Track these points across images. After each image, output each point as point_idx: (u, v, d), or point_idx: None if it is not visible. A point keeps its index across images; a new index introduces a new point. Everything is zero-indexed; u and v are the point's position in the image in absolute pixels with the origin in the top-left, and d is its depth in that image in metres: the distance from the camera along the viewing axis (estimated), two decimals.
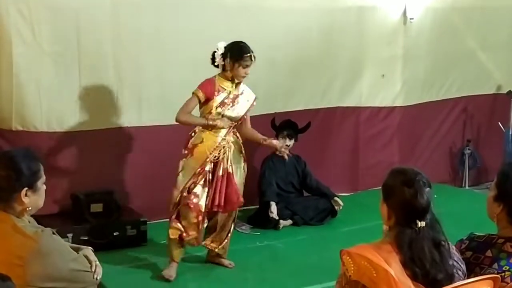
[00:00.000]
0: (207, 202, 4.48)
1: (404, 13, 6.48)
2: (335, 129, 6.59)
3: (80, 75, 5.08)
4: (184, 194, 4.48)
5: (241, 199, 4.60)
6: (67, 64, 5.00)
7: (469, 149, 7.22)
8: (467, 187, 7.24)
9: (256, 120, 5.82)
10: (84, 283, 2.51)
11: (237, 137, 4.61)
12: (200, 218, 4.48)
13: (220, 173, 4.48)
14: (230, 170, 4.51)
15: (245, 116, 4.64)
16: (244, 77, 4.48)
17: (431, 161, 7.10)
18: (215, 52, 4.47)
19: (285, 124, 5.82)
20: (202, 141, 4.48)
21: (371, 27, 6.41)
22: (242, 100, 4.55)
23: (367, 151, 6.77)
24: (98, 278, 2.55)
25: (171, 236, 4.51)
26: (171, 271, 4.49)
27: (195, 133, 4.54)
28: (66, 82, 5.05)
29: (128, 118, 5.37)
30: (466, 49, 7.04)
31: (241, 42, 4.49)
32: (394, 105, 6.82)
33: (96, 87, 5.17)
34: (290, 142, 5.78)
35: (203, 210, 4.47)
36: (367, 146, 6.78)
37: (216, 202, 4.47)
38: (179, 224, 4.50)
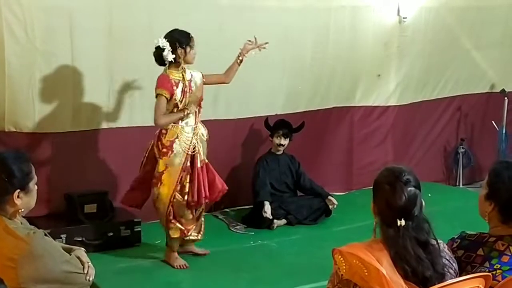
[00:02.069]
0: (192, 197, 4.59)
1: (398, 12, 6.48)
2: (329, 129, 6.59)
3: (73, 76, 5.07)
4: (176, 192, 4.57)
5: (225, 185, 4.79)
6: (60, 64, 4.99)
7: (463, 148, 7.24)
8: (461, 186, 7.26)
9: (255, 121, 5.86)
10: (76, 285, 2.51)
11: (204, 127, 4.75)
12: (194, 212, 4.69)
13: (199, 165, 4.61)
14: (206, 160, 4.68)
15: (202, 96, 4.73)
16: (194, 58, 4.56)
17: (425, 160, 7.12)
18: (161, 51, 4.45)
19: (279, 124, 5.83)
20: (177, 137, 4.55)
21: (365, 27, 6.41)
22: (194, 83, 4.62)
23: (361, 150, 6.78)
24: (91, 279, 2.55)
25: (174, 236, 4.64)
26: (181, 260, 4.68)
27: (166, 131, 4.57)
28: (59, 83, 5.03)
29: (122, 119, 5.36)
30: (460, 48, 7.05)
31: (176, 29, 4.54)
32: (388, 105, 6.83)
33: (89, 88, 5.15)
34: (286, 141, 5.79)
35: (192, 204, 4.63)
36: (361, 146, 6.78)
37: (203, 195, 4.59)
38: (178, 224, 4.63)
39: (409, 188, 2.25)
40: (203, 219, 4.84)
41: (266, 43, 4.88)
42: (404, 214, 2.22)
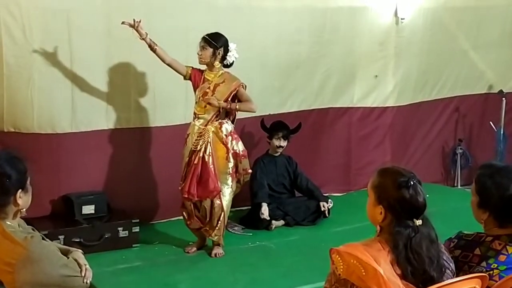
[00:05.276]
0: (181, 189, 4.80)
1: (396, 13, 6.49)
2: (327, 130, 6.59)
3: (72, 76, 5.07)
4: (180, 182, 4.80)
5: (218, 187, 4.76)
6: (58, 65, 4.99)
7: (461, 148, 7.24)
8: (459, 187, 7.26)
9: (250, 122, 5.84)
10: None
11: (220, 128, 4.79)
12: (192, 206, 4.81)
13: (195, 161, 4.73)
14: (206, 159, 4.73)
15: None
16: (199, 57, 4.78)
17: (423, 160, 7.12)
18: (230, 53, 4.78)
19: (278, 125, 5.82)
20: (191, 131, 4.82)
21: (363, 27, 6.41)
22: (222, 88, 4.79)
23: (359, 151, 6.78)
24: (88, 282, 2.55)
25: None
26: (189, 248, 5.00)
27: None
28: (57, 83, 5.03)
29: (120, 120, 5.36)
30: (458, 49, 7.06)
31: None
32: (386, 105, 6.82)
33: (88, 89, 5.15)
34: (285, 143, 5.79)
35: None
36: (359, 147, 6.78)
37: (186, 189, 4.72)
38: (184, 213, 4.87)
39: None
40: (219, 223, 4.81)
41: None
42: (421, 214, 2.27)
